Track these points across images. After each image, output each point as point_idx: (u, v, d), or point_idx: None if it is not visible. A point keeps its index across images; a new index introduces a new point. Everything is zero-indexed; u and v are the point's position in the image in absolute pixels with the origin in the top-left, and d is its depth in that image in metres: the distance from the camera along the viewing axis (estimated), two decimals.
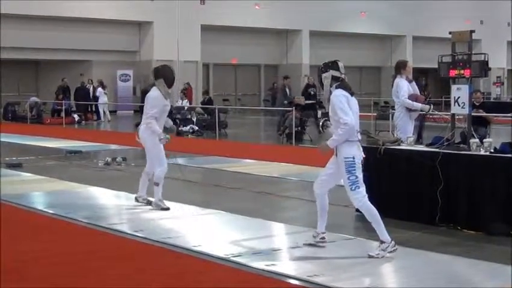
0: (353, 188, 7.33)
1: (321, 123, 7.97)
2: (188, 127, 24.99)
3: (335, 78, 7.45)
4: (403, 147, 9.49)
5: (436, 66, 9.54)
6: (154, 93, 9.97)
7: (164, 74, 10.02)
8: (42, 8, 36.27)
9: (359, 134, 7.43)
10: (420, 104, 11.98)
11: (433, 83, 50.63)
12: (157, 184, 9.96)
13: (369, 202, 7.37)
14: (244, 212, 9.86)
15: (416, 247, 7.73)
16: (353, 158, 7.31)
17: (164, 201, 10.06)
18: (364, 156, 7.53)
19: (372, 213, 7.34)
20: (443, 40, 15.76)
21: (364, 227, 9.02)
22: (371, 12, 47.22)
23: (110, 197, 11.33)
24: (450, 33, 9.40)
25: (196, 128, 25.16)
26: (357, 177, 7.31)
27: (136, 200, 10.40)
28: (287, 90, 24.43)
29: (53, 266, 6.99)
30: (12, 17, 36.18)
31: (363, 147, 9.56)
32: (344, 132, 7.23)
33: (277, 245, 7.98)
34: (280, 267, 6.94)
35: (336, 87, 7.41)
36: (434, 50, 18.14)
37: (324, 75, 7.51)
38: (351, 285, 6.28)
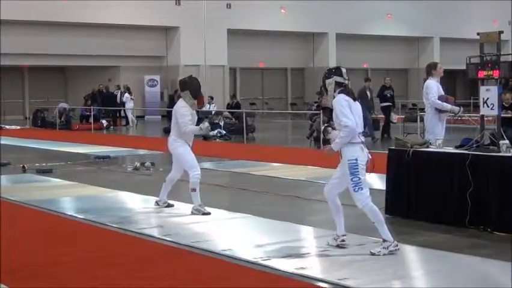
0: (356, 190, 7.54)
1: (322, 129, 8.17)
2: (216, 131, 25.03)
3: (338, 84, 7.70)
4: (432, 149, 9.45)
5: (464, 67, 9.49)
6: (182, 103, 10.15)
7: (190, 86, 10.20)
8: (69, 14, 36.60)
9: (361, 136, 7.62)
10: (450, 105, 11.92)
11: (462, 85, 50.45)
12: (193, 190, 10.03)
13: (371, 203, 7.57)
14: (273, 215, 9.86)
15: (447, 249, 7.69)
16: (356, 159, 7.52)
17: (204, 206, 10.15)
18: (370, 157, 7.67)
19: (374, 213, 7.56)
20: (471, 41, 15.64)
21: (393, 230, 8.98)
22: (398, 14, 47.03)
23: (139, 201, 11.38)
24: (478, 34, 9.34)
25: (224, 132, 25.20)
26: (359, 178, 7.51)
27: (157, 203, 10.58)
28: (368, 93, 23.14)
29: (83, 270, 7.03)
30: (39, 23, 36.58)
31: (393, 149, 9.61)
32: (345, 134, 7.47)
33: (306, 248, 7.98)
34: (310, 270, 6.93)
35: (339, 93, 7.65)
36: (462, 51, 17.98)
37: (327, 81, 7.76)
38: None
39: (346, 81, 7.73)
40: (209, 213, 9.97)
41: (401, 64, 51.03)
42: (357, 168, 7.49)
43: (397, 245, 7.49)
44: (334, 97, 7.67)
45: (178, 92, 10.66)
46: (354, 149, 7.53)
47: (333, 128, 7.80)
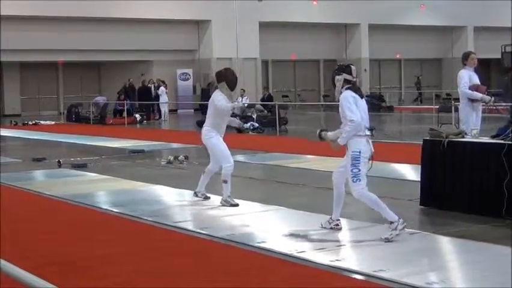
0: (354, 180, 7.80)
1: (317, 133, 8.42)
2: (248, 124, 25.02)
3: (346, 81, 8.00)
4: (467, 139, 9.36)
5: (499, 56, 9.38)
6: (219, 93, 10.22)
7: (227, 77, 10.24)
8: (102, 10, 36.86)
9: (367, 130, 7.87)
10: (479, 94, 11.83)
11: (496, 74, 49.94)
12: (225, 181, 10.06)
13: (367, 191, 7.81)
14: (307, 207, 9.85)
15: (483, 240, 7.62)
16: (359, 152, 7.80)
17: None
18: (373, 150, 7.91)
19: (372, 200, 7.83)
20: (505, 30, 15.48)
21: (429, 221, 8.96)
22: (431, 4, 46.66)
23: (173, 195, 11.43)
24: None
25: (257, 124, 25.20)
26: (359, 170, 7.79)
27: (195, 194, 10.61)
28: None
29: (119, 264, 7.09)
30: (73, 19, 36.86)
31: (428, 140, 9.54)
32: (351, 129, 7.74)
33: (340, 240, 7.96)
34: (345, 262, 6.92)
35: (346, 89, 7.94)
36: (497, 40, 17.76)
37: (337, 77, 8.07)
38: (417, 280, 6.20)
39: (354, 79, 8.06)
40: (237, 205, 10.02)
41: (435, 54, 50.64)
42: (359, 160, 7.78)
43: (404, 222, 7.66)
44: (341, 93, 7.95)
45: (215, 84, 10.75)
46: (359, 141, 7.80)
47: (327, 131, 8.33)
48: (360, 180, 7.77)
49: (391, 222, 7.66)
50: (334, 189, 8.27)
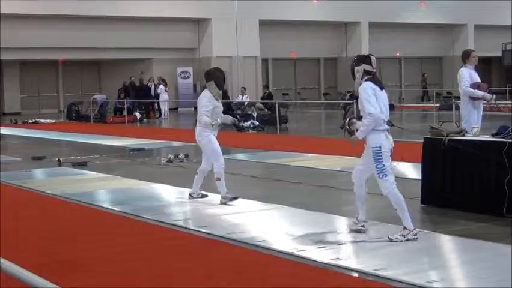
0: (381, 176, 7.61)
1: (346, 122, 8.09)
2: (249, 122, 25.03)
3: (366, 72, 7.74)
4: (468, 137, 9.34)
5: (499, 54, 9.36)
6: (205, 93, 10.28)
7: (215, 76, 10.30)
8: (103, 8, 36.84)
9: (386, 124, 7.63)
10: (481, 92, 11.80)
11: (497, 72, 49.92)
12: (218, 179, 10.12)
13: (396, 190, 7.63)
14: (307, 206, 9.83)
15: (484, 239, 7.61)
16: (380, 147, 7.57)
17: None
18: (393, 145, 7.72)
19: (398, 200, 7.61)
20: (506, 27, 15.45)
21: (430, 220, 8.94)
22: (431, 2, 46.58)
23: (173, 193, 11.42)
24: None
25: (257, 123, 25.18)
26: (384, 165, 7.58)
27: (190, 196, 10.63)
28: None
29: (119, 263, 7.08)
30: (73, 18, 36.84)
31: (429, 138, 9.53)
32: (369, 122, 7.49)
33: (341, 238, 7.94)
34: (346, 261, 6.90)
35: (366, 80, 7.68)
36: (497, 38, 17.74)
37: (356, 68, 7.80)
38: (418, 279, 6.19)
39: (374, 70, 7.79)
40: (237, 198, 10.09)
41: (435, 52, 50.58)
42: (381, 156, 7.56)
43: (416, 234, 7.54)
44: (360, 84, 7.71)
45: (204, 83, 10.81)
46: (379, 136, 7.58)
47: (358, 118, 7.86)
48: (386, 175, 7.58)
49: (404, 228, 7.53)
50: (355, 189, 8.06)
